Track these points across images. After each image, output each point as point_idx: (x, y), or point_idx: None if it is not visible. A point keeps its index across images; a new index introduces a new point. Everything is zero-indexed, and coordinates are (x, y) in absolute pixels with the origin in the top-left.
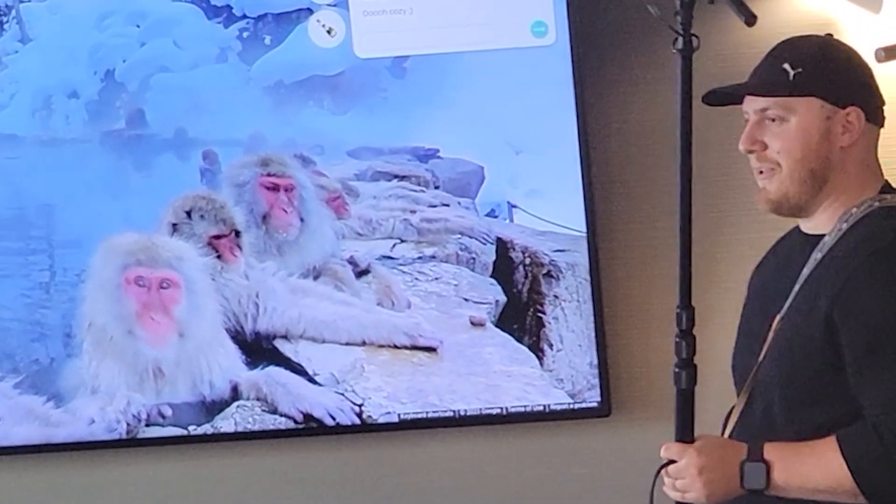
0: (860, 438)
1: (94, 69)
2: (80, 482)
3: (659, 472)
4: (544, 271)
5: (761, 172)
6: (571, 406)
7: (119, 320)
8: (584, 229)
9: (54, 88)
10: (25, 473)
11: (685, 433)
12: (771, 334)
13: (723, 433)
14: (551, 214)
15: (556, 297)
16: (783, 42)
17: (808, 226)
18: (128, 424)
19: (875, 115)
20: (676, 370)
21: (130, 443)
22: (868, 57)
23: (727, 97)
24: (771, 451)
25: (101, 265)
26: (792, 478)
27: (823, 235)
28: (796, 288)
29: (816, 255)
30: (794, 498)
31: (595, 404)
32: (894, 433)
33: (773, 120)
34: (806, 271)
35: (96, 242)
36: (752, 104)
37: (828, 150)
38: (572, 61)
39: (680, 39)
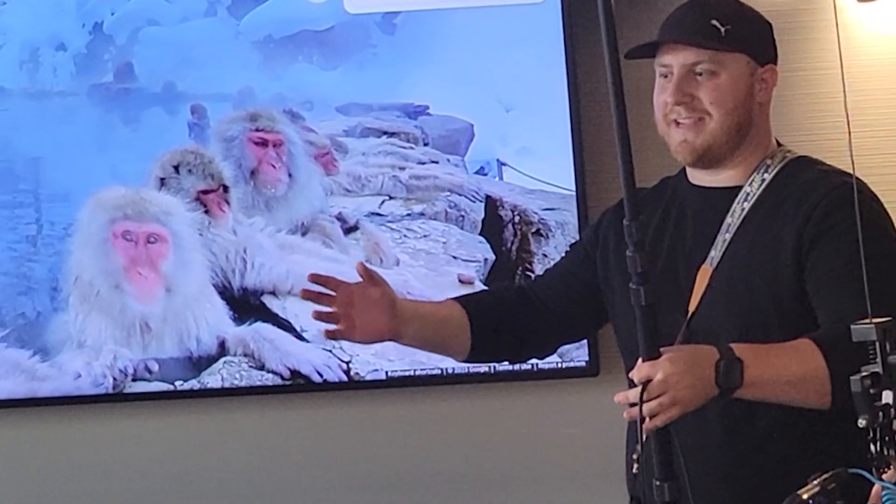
0: (832, 331)
1: (81, 21)
2: (66, 437)
3: (642, 400)
4: (533, 230)
5: (680, 124)
6: (560, 365)
7: (106, 275)
8: (574, 188)
9: (42, 41)
10: (11, 427)
11: (652, 350)
12: (703, 284)
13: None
14: (541, 173)
15: (544, 255)
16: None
17: (718, 179)
18: (114, 379)
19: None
20: (634, 287)
21: (116, 398)
22: None
23: (642, 51)
24: (741, 350)
25: (88, 219)
26: (765, 371)
27: (738, 187)
28: (727, 237)
29: (743, 206)
30: (759, 400)
31: (583, 364)
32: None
33: (703, 74)
34: (732, 220)
35: (83, 196)
36: (678, 58)
37: (750, 104)
38: (563, 19)
39: None
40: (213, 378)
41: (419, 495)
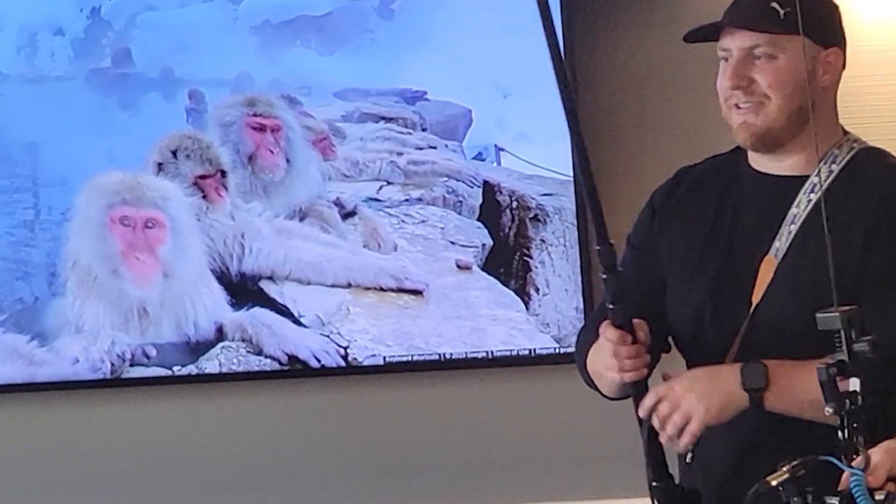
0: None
1: (79, 6)
2: (64, 422)
3: (650, 424)
4: (531, 215)
5: (740, 107)
6: (557, 351)
7: (104, 260)
8: (572, 174)
9: (40, 25)
10: (8, 412)
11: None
12: (768, 276)
13: None
14: (539, 158)
15: (542, 241)
16: None
17: (780, 166)
18: (112, 364)
19: (845, 59)
20: (610, 306)
21: (114, 383)
22: None
23: (704, 35)
24: (769, 361)
25: (85, 204)
26: (793, 379)
27: (803, 177)
28: (793, 228)
29: (809, 197)
30: (787, 412)
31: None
32: None
33: (761, 58)
34: (797, 211)
35: (81, 181)
36: (737, 41)
37: (812, 89)
38: (561, 4)
39: None
40: (210, 363)
41: (417, 480)
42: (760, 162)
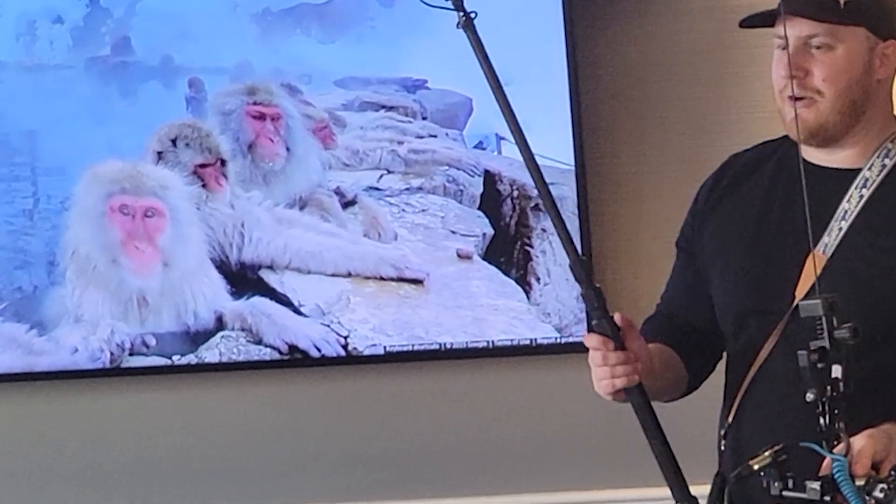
0: None
1: None
2: (63, 411)
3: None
4: (532, 204)
5: (797, 99)
6: (558, 340)
7: (103, 249)
8: (573, 163)
9: (38, 13)
10: (7, 402)
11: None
12: (815, 272)
13: (736, 380)
14: (540, 147)
15: (543, 230)
16: None
17: (832, 159)
18: (111, 354)
19: None
20: (595, 322)
21: (114, 372)
22: None
23: (761, 21)
24: None
25: (85, 193)
26: None
27: (855, 170)
28: (843, 225)
29: (861, 192)
30: None
31: (582, 339)
32: None
33: (819, 48)
34: (849, 207)
35: (80, 170)
36: (794, 30)
37: (868, 81)
38: None
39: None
40: (210, 353)
41: (418, 470)
42: (812, 153)
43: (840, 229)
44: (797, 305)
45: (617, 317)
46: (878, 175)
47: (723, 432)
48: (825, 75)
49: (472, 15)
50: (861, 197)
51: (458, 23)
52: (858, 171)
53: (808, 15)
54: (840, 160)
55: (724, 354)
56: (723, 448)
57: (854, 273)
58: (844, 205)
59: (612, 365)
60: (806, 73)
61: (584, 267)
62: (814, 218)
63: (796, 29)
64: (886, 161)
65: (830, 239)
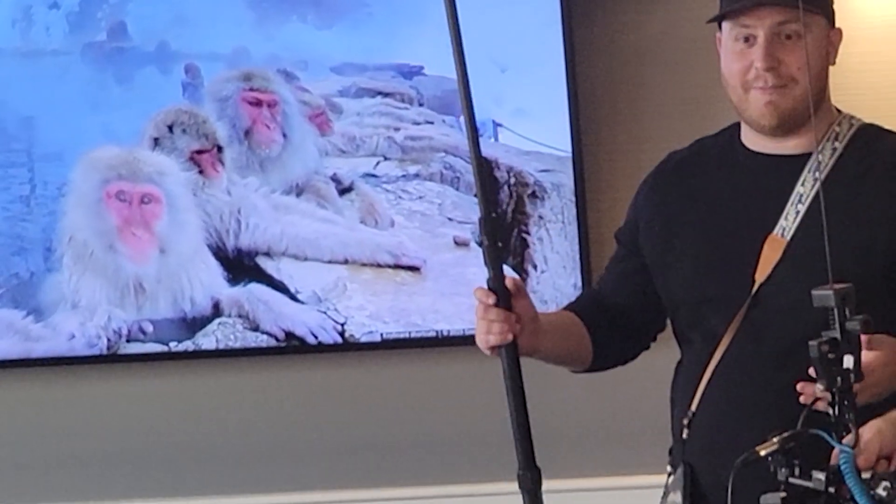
0: None
1: None
2: (60, 398)
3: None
4: (529, 191)
5: (765, 89)
6: None
7: (100, 235)
8: (570, 150)
9: None
10: (4, 388)
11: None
12: (775, 254)
13: (697, 368)
14: (537, 134)
15: (540, 217)
16: None
17: (784, 146)
18: (108, 340)
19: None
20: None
21: (111, 359)
22: None
23: (730, 13)
24: None
25: (81, 179)
26: None
27: (804, 155)
28: (801, 208)
29: (815, 175)
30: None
31: None
32: None
33: (789, 37)
34: (804, 190)
35: (77, 156)
36: (764, 21)
37: (826, 69)
38: None
39: None
40: (207, 339)
41: (416, 457)
42: (759, 143)
43: (797, 212)
44: (758, 290)
45: (508, 280)
46: (829, 158)
47: (686, 421)
48: (800, 63)
49: None
50: (815, 179)
51: None
52: (808, 155)
53: (782, 2)
54: (791, 147)
55: (650, 345)
56: (685, 437)
57: (816, 253)
58: (799, 188)
59: (490, 320)
60: (780, 62)
61: (492, 225)
62: (768, 203)
63: (767, 19)
64: (836, 144)
65: (788, 222)
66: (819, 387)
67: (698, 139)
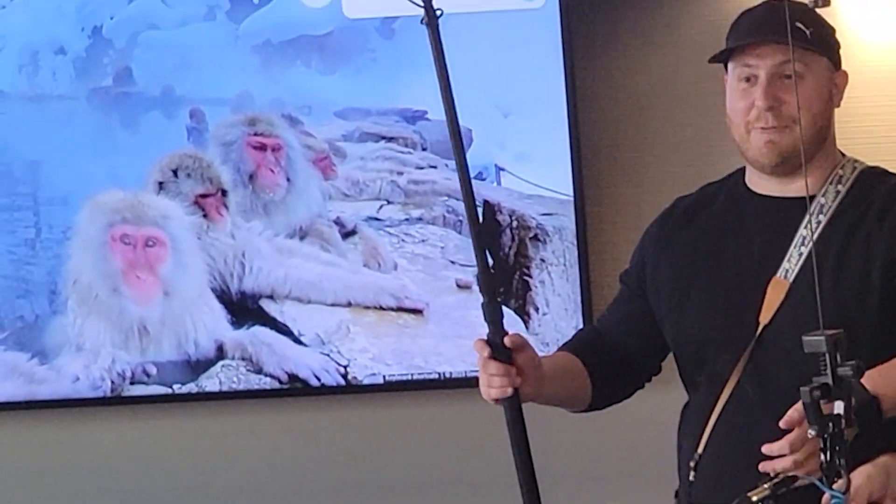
0: None
1: (81, 25)
2: (64, 439)
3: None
4: (531, 234)
5: (766, 129)
6: None
7: (104, 278)
8: (572, 193)
9: (41, 44)
10: (9, 430)
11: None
12: (778, 296)
13: (703, 410)
14: (539, 178)
15: (542, 260)
16: (776, 2)
17: (786, 188)
18: (112, 382)
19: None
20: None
21: (115, 401)
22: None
23: (726, 55)
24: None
25: (86, 222)
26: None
27: (806, 198)
28: (802, 250)
29: (819, 218)
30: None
31: None
32: None
33: (789, 77)
34: (806, 233)
35: (82, 200)
36: (765, 60)
37: (830, 110)
38: (561, 24)
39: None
40: (210, 381)
41: (418, 499)
42: (763, 185)
43: (800, 254)
44: (762, 332)
45: (508, 337)
46: (833, 201)
47: (692, 464)
48: (801, 103)
49: (438, 13)
50: (819, 222)
51: (422, 19)
52: (812, 198)
53: (784, 41)
54: (795, 190)
55: (645, 384)
56: (691, 479)
57: (806, 296)
58: (803, 231)
59: (490, 374)
60: (781, 102)
61: (491, 280)
62: (772, 246)
63: (768, 58)
64: (840, 187)
65: (791, 265)
66: (811, 432)
67: (704, 185)
